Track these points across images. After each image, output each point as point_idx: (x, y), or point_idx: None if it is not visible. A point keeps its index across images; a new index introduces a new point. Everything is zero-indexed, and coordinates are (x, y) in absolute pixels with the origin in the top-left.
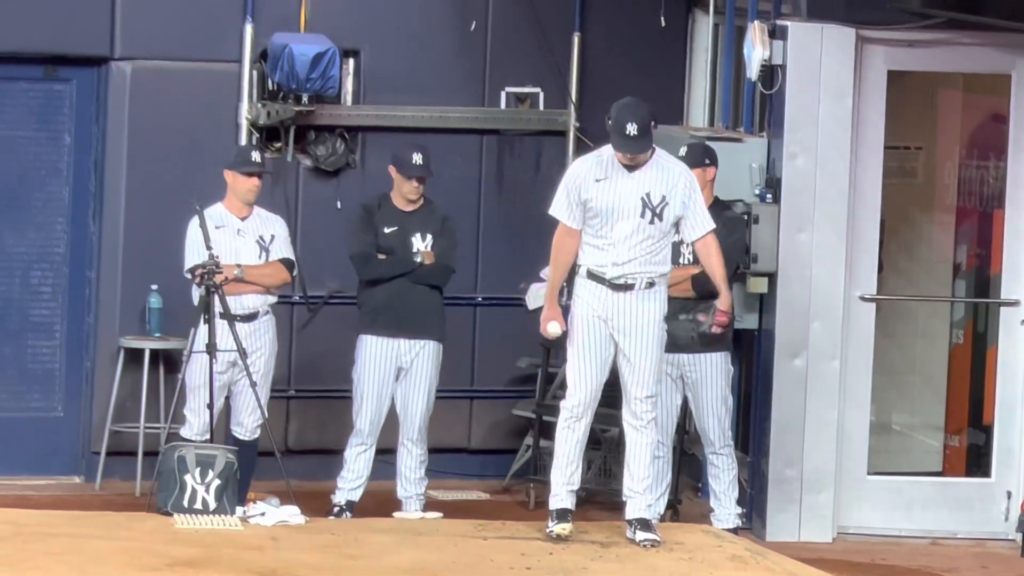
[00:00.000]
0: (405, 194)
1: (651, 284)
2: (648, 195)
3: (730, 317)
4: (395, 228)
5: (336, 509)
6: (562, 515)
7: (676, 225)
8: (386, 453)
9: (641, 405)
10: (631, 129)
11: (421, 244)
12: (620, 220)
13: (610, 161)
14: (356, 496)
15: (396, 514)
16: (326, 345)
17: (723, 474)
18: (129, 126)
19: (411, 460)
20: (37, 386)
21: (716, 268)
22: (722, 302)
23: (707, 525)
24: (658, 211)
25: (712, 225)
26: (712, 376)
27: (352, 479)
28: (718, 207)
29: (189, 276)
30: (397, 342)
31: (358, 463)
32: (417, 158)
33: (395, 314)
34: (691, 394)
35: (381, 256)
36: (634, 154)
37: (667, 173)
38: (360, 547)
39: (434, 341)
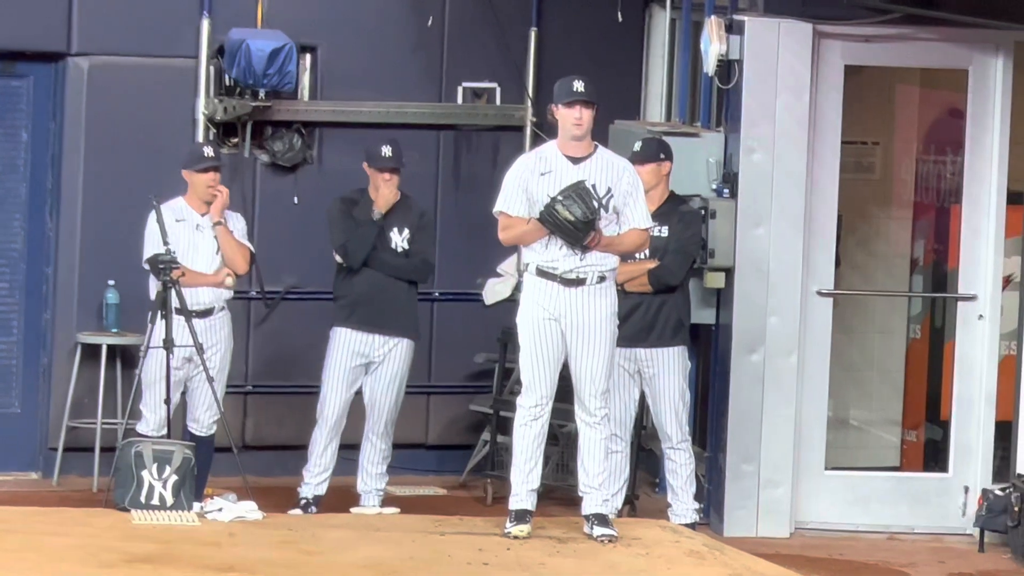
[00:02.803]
0: (380, 186)
1: (602, 279)
2: (594, 187)
3: (595, 242)
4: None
5: (303, 502)
6: (521, 516)
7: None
8: (348, 448)
9: (594, 401)
10: (578, 86)
11: (399, 239)
12: None
13: (554, 155)
14: (322, 490)
15: (354, 509)
16: (283, 341)
17: (681, 469)
18: (86, 122)
19: (374, 454)
20: None
21: (624, 238)
22: (600, 236)
23: (665, 520)
24: (604, 202)
25: (649, 224)
26: (669, 371)
27: (318, 472)
28: (674, 202)
29: (147, 267)
30: (371, 337)
31: (325, 456)
32: (386, 151)
33: (371, 309)
34: (648, 389)
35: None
36: (584, 103)
37: (612, 166)
38: (317, 543)
39: (407, 339)
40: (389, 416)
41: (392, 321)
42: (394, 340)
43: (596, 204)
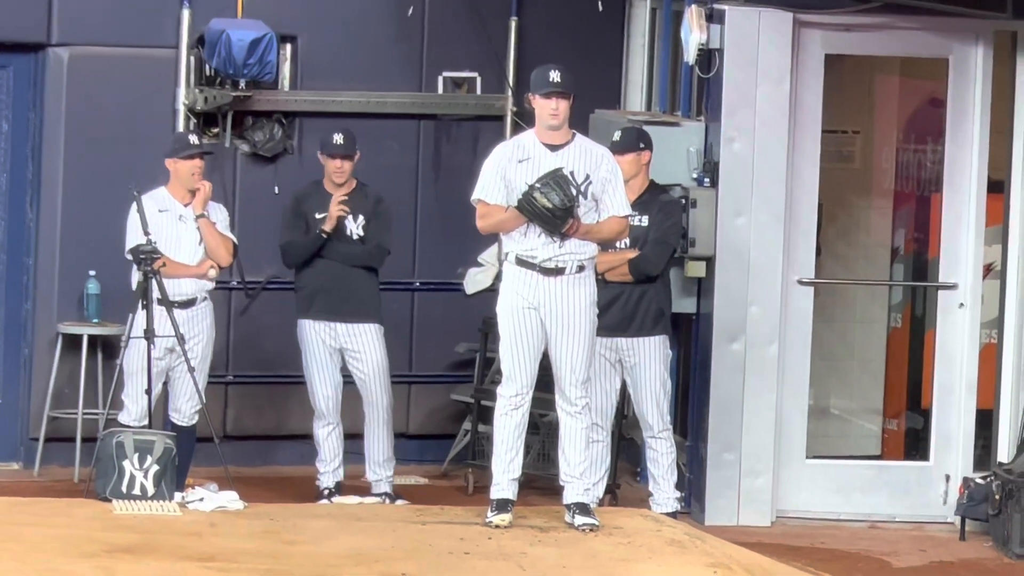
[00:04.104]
0: (330, 175)
1: (581, 268)
2: (572, 174)
3: (573, 230)
4: (326, 214)
5: (326, 492)
6: (502, 505)
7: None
8: (348, 439)
9: (574, 391)
10: (554, 76)
11: (354, 226)
12: None
13: (532, 143)
14: (340, 475)
15: (335, 499)
16: (264, 331)
17: (662, 458)
18: (66, 112)
19: (378, 444)
20: None
21: (603, 225)
22: (579, 224)
23: (646, 509)
24: (582, 189)
25: (627, 212)
26: (650, 360)
27: (329, 460)
28: (655, 191)
29: (130, 257)
30: (334, 326)
31: (329, 442)
32: (337, 138)
33: (330, 297)
34: (629, 378)
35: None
36: (559, 95)
37: (590, 154)
38: (298, 532)
39: (373, 324)
40: (385, 403)
41: (353, 308)
42: (358, 327)
43: (574, 191)
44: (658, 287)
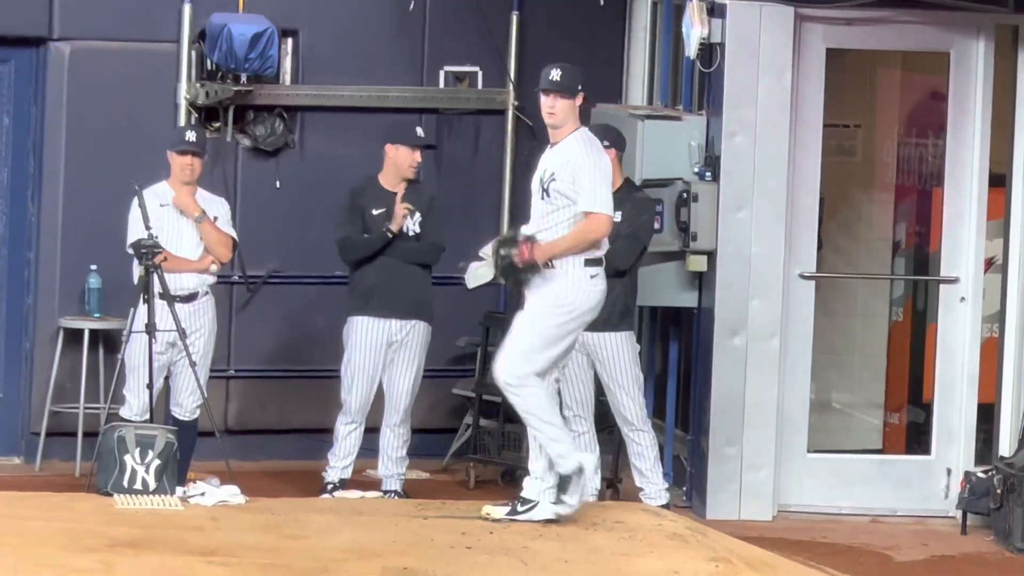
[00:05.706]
0: (406, 169)
1: (546, 265)
2: (544, 172)
3: (529, 258)
4: (383, 209)
5: (330, 486)
6: (518, 498)
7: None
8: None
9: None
10: (553, 74)
11: (411, 223)
12: (533, 199)
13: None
14: (347, 473)
15: (337, 493)
16: (265, 325)
17: (646, 452)
18: (68, 107)
19: (395, 440)
20: None
21: (572, 234)
22: (537, 247)
23: (647, 504)
24: (546, 187)
25: (592, 208)
26: (617, 355)
27: (343, 456)
28: (629, 188)
29: (131, 252)
30: (388, 322)
31: (348, 440)
32: (420, 129)
33: (386, 295)
34: (602, 374)
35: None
36: (556, 93)
37: (564, 151)
38: (300, 527)
39: (424, 322)
40: (407, 402)
41: (408, 305)
42: (410, 324)
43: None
44: (626, 283)
